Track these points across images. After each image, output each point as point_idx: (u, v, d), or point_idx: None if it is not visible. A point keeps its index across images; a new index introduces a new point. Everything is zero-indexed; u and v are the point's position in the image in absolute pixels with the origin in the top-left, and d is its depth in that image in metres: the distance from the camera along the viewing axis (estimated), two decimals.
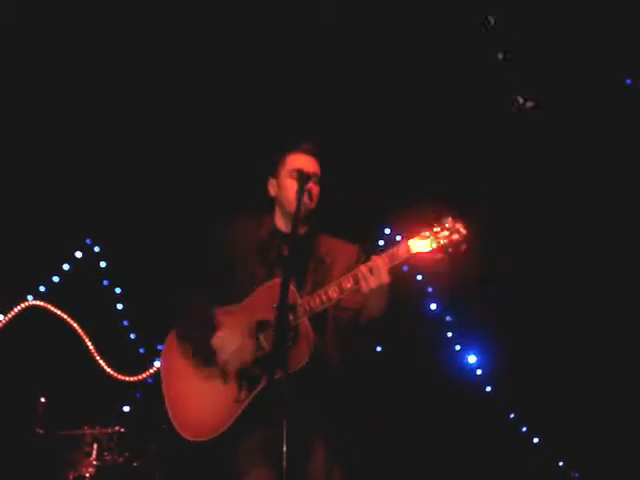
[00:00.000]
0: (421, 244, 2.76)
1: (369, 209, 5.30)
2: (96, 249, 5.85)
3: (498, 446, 5.35)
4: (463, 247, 2.76)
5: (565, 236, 5.24)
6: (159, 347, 5.73)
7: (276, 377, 2.64)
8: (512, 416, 5.45)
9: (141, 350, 5.70)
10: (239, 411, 2.85)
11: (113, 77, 5.26)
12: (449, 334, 5.63)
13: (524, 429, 5.42)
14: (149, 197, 5.66)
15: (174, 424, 2.98)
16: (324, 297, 2.84)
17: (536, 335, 5.33)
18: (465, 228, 2.76)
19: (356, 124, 5.20)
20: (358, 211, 5.21)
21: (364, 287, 2.76)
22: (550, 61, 4.86)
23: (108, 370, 5.54)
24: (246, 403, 2.85)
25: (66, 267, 5.77)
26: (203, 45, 5.12)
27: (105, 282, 5.83)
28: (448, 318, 5.66)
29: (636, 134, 5.04)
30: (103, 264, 5.85)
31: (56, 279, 5.73)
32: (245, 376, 2.89)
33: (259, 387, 2.83)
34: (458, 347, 5.60)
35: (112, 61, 5.20)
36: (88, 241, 5.86)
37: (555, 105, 5.07)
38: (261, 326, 2.91)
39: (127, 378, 5.54)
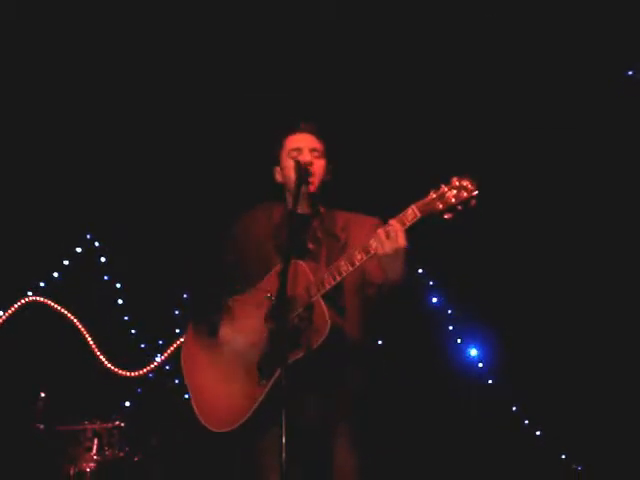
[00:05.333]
0: (428, 206, 2.67)
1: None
2: (96, 244, 5.81)
3: (500, 439, 5.25)
4: (472, 203, 2.70)
5: (566, 228, 5.15)
6: (160, 342, 5.70)
7: (294, 358, 2.59)
8: (514, 409, 5.39)
9: (142, 345, 5.65)
10: (262, 396, 2.75)
11: (114, 70, 5.15)
12: (450, 327, 5.57)
13: (526, 422, 5.36)
14: (149, 191, 5.55)
15: (200, 418, 2.88)
16: (336, 273, 2.74)
17: (537, 327, 5.23)
18: (472, 184, 2.68)
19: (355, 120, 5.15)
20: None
21: (380, 251, 2.67)
22: (549, 55, 4.82)
23: (109, 365, 5.48)
24: (265, 390, 2.75)
25: (66, 262, 5.72)
26: (205, 43, 5.06)
27: (105, 277, 5.79)
28: (450, 311, 5.61)
29: (635, 127, 4.98)
30: (103, 259, 5.81)
31: (56, 275, 5.68)
32: (263, 362, 2.80)
33: (276, 372, 2.73)
34: (459, 340, 5.55)
35: (114, 56, 5.11)
36: (88, 236, 5.81)
37: (553, 100, 5.02)
38: (271, 306, 2.80)
39: (128, 373, 5.48)
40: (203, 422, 2.89)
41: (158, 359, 5.54)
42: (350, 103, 5.10)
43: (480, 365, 5.47)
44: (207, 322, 2.98)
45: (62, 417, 4.31)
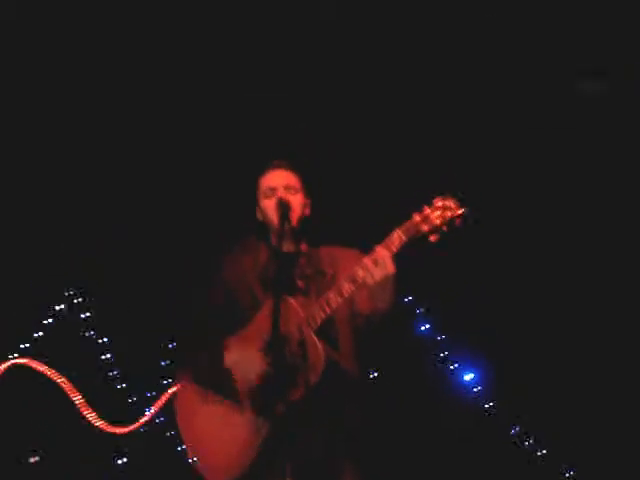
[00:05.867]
0: (413, 229, 2.65)
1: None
2: (78, 300, 5.70)
3: (503, 461, 5.22)
4: (457, 222, 2.67)
5: (555, 248, 5.14)
6: (147, 394, 5.58)
7: (292, 398, 2.54)
8: (514, 431, 5.33)
9: (130, 400, 5.51)
10: (259, 441, 2.67)
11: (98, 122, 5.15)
12: (443, 354, 5.52)
13: (528, 442, 5.30)
14: (127, 241, 5.51)
15: (198, 469, 2.79)
16: (325, 306, 2.70)
17: (531, 347, 5.24)
18: (455, 203, 2.66)
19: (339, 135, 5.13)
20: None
21: (369, 280, 2.63)
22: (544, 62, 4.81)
23: (97, 424, 5.33)
24: (265, 431, 2.66)
25: (48, 321, 5.60)
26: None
27: (89, 333, 5.67)
28: (439, 338, 5.56)
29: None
30: (86, 315, 5.69)
31: (39, 334, 5.56)
32: (260, 402, 2.72)
33: (276, 411, 2.69)
34: (454, 366, 5.49)
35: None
36: (68, 293, 5.71)
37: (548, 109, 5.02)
38: (267, 349, 2.71)
39: (119, 430, 5.34)
40: (203, 473, 2.80)
41: (148, 412, 5.42)
42: (324, 123, 5.07)
43: (476, 389, 5.40)
44: (208, 364, 2.89)
45: None
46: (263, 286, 2.95)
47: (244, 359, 2.79)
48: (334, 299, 2.72)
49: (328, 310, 2.73)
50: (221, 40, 4.91)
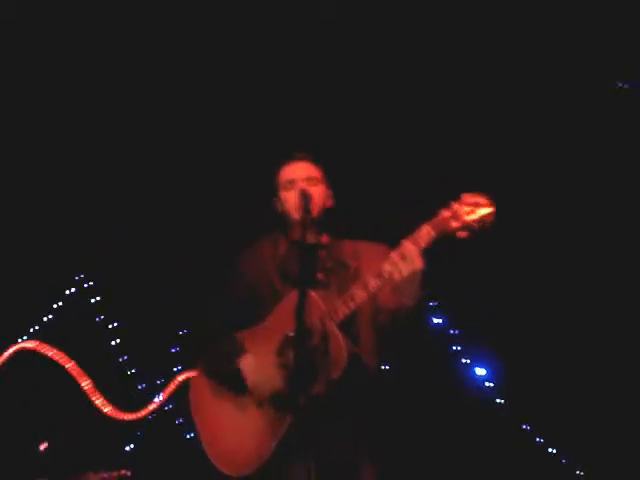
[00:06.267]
0: (442, 225, 2.56)
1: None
2: (88, 284, 5.67)
3: (514, 457, 5.19)
4: (489, 221, 2.58)
5: (569, 243, 5.09)
6: (157, 382, 5.55)
7: (314, 392, 2.47)
8: (526, 427, 5.29)
9: (140, 387, 5.50)
10: (280, 435, 2.60)
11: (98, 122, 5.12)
12: (456, 348, 5.48)
13: (539, 440, 5.27)
14: (138, 227, 5.45)
15: (215, 463, 2.72)
16: (349, 301, 2.63)
17: (543, 342, 5.19)
18: (487, 200, 2.55)
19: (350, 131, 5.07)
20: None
21: (396, 275, 2.55)
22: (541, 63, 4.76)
23: (105, 410, 5.30)
24: (285, 426, 2.60)
25: (58, 304, 5.57)
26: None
27: (99, 318, 5.64)
28: (452, 332, 5.52)
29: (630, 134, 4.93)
30: (96, 299, 5.66)
31: (49, 318, 5.54)
32: (279, 397, 2.66)
33: (295, 407, 2.63)
34: (466, 361, 5.45)
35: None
36: (79, 277, 5.68)
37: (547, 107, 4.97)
38: (287, 343, 2.68)
39: (127, 417, 5.31)
40: (220, 467, 2.75)
41: (157, 399, 5.39)
42: (345, 123, 5.02)
43: (488, 384, 5.36)
44: (222, 357, 2.85)
45: (65, 468, 4.14)
46: (282, 278, 2.90)
47: (262, 360, 2.73)
48: (359, 294, 2.66)
49: (352, 305, 2.67)
50: (221, 40, 4.86)
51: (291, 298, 2.74)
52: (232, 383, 2.79)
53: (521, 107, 4.91)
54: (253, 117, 5.08)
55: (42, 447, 4.13)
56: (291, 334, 2.66)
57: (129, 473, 4.08)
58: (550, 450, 5.22)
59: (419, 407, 5.12)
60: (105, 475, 4.03)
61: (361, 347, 2.77)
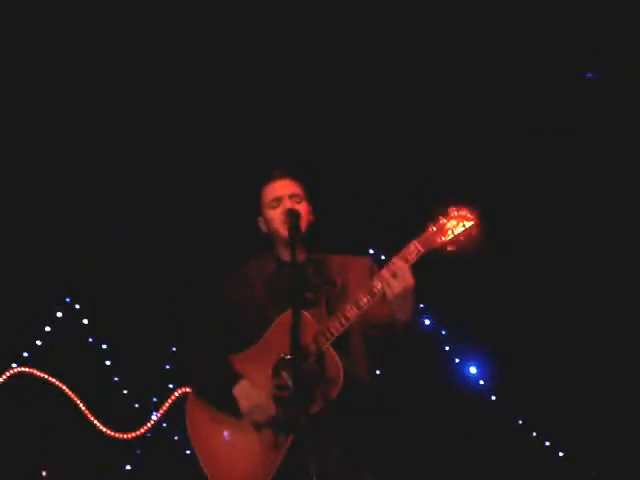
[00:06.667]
0: (430, 240, 2.62)
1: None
2: (77, 307, 5.65)
3: (510, 453, 5.23)
4: (474, 233, 2.64)
5: (559, 236, 5.14)
6: (153, 399, 5.54)
7: (312, 412, 2.53)
8: (520, 422, 5.34)
9: (135, 405, 5.48)
10: (281, 456, 2.65)
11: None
12: (446, 348, 5.51)
13: (534, 434, 5.31)
14: (125, 244, 5.45)
15: None
16: (342, 319, 2.67)
17: (533, 336, 5.23)
18: (471, 213, 2.63)
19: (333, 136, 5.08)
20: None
21: (389, 294, 2.59)
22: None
23: (104, 429, 5.30)
24: (285, 448, 2.65)
25: (48, 329, 5.54)
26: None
27: (90, 339, 5.62)
28: (443, 332, 5.55)
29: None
30: (86, 321, 5.64)
31: (39, 343, 5.51)
32: (277, 420, 2.70)
33: (294, 428, 2.61)
34: (457, 360, 5.49)
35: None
36: (67, 299, 5.65)
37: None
38: (282, 365, 2.73)
39: (124, 436, 5.31)
40: None
41: (154, 417, 5.39)
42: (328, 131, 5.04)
43: (481, 382, 5.41)
44: (216, 384, 2.87)
45: None
46: (271, 299, 2.93)
47: (257, 384, 2.77)
48: (352, 312, 2.70)
49: (346, 323, 2.71)
50: (220, 39, 4.86)
51: (283, 319, 2.78)
52: (228, 408, 2.81)
53: (505, 115, 4.95)
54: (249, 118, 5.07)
55: (44, 473, 4.10)
56: (286, 356, 2.70)
57: None
58: (545, 444, 5.27)
59: (415, 411, 5.15)
60: None
61: (353, 363, 2.81)
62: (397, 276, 2.60)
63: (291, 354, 2.59)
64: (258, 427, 2.76)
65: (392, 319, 2.72)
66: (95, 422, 5.29)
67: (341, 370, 2.67)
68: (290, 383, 2.70)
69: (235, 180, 4.92)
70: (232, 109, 5.05)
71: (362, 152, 5.13)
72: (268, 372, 2.78)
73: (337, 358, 2.70)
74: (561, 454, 5.24)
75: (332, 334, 2.70)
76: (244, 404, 2.76)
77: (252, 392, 2.78)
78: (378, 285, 2.65)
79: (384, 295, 2.64)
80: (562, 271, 5.19)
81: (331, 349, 2.71)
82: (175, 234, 5.36)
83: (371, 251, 5.37)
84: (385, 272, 2.63)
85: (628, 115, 4.84)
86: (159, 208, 5.33)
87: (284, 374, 2.76)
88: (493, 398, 5.36)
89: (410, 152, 5.12)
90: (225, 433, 2.83)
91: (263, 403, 2.75)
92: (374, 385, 2.93)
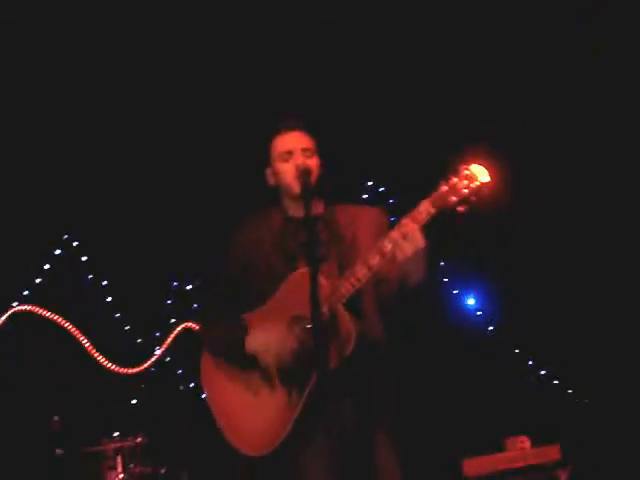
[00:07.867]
0: (441, 200, 2.52)
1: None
2: (75, 244, 5.63)
3: (507, 382, 5.36)
4: (486, 192, 2.53)
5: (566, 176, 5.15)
6: (156, 334, 5.60)
7: (327, 369, 2.48)
8: (517, 351, 5.45)
9: (138, 340, 5.54)
10: (295, 413, 2.63)
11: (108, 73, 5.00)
12: (445, 280, 5.57)
13: (530, 362, 5.43)
14: (124, 183, 5.39)
15: (232, 443, 2.77)
16: (353, 280, 2.60)
17: (531, 267, 5.28)
18: (482, 170, 2.51)
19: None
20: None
21: (399, 256, 2.52)
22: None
23: (109, 365, 5.37)
24: (301, 403, 2.63)
25: (47, 266, 5.54)
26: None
27: (89, 276, 5.62)
28: (442, 263, 5.58)
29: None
30: (85, 258, 5.63)
31: (39, 280, 5.51)
32: (291, 376, 2.68)
33: (310, 384, 2.61)
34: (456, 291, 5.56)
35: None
36: (65, 236, 5.62)
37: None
38: (296, 321, 2.69)
39: (130, 370, 5.38)
40: (237, 447, 2.79)
41: (157, 351, 5.46)
42: (345, 91, 4.95)
43: (479, 313, 5.49)
44: (228, 337, 2.87)
45: (79, 437, 4.20)
46: (280, 255, 2.86)
47: (267, 335, 2.74)
48: (362, 272, 2.63)
49: (357, 284, 2.65)
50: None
51: (295, 277, 2.75)
52: (242, 363, 2.81)
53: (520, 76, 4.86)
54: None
55: (55, 418, 4.16)
56: (299, 315, 2.68)
57: (145, 440, 4.12)
58: (542, 372, 5.39)
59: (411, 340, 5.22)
60: (120, 442, 4.09)
61: (365, 321, 2.76)
62: (407, 238, 2.54)
63: (311, 312, 2.52)
64: (271, 385, 2.76)
65: (404, 279, 2.69)
66: (99, 358, 5.33)
67: (354, 329, 2.64)
68: (305, 340, 2.69)
69: (243, 127, 4.85)
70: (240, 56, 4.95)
71: (374, 108, 5.06)
72: (281, 329, 2.75)
73: (349, 317, 2.66)
74: (555, 382, 5.34)
75: (344, 295, 2.64)
76: (258, 356, 2.74)
77: (264, 344, 2.78)
78: (388, 246, 2.58)
79: (395, 257, 2.59)
80: (560, 204, 5.19)
81: (342, 309, 2.66)
82: (174, 171, 5.30)
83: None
84: (395, 233, 2.55)
85: None
86: (158, 146, 5.26)
87: (298, 331, 2.74)
88: (490, 328, 5.44)
89: (422, 108, 5.04)
90: (240, 390, 2.82)
91: (280, 354, 2.73)
92: (390, 343, 2.85)
